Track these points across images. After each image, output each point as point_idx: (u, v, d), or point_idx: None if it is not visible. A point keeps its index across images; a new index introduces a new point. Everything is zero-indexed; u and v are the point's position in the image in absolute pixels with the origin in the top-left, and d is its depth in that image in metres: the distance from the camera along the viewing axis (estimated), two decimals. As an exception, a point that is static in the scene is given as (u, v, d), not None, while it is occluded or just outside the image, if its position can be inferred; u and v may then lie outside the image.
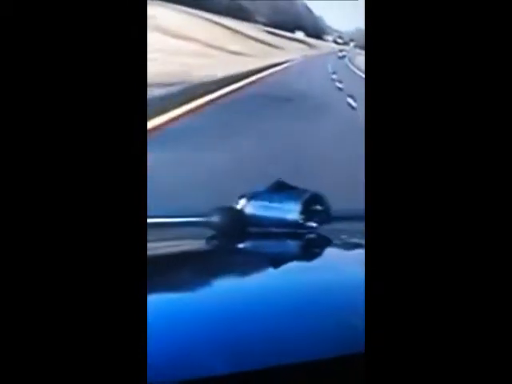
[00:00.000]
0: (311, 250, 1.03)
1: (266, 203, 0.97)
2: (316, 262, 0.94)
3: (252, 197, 1.00)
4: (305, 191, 1.00)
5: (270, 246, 1.00)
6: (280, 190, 1.00)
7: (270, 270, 0.88)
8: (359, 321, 0.56)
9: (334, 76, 18.65)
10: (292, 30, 76.30)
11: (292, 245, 1.02)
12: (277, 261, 0.91)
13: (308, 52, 51.10)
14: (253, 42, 44.15)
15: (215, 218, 0.96)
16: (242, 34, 47.17)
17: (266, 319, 0.65)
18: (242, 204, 0.99)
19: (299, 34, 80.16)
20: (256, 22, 54.01)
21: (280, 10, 66.89)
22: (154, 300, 0.64)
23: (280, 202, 0.96)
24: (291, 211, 0.94)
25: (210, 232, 0.97)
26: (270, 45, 47.91)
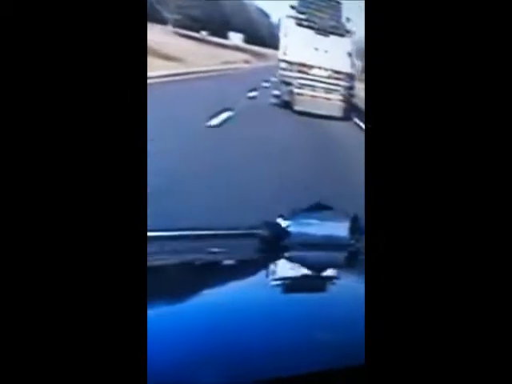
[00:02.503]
0: (355, 261, 1.14)
1: (311, 221, 1.10)
2: (358, 271, 1.04)
3: (292, 216, 1.11)
4: (344, 211, 1.14)
5: (316, 257, 1.09)
6: (320, 210, 1.14)
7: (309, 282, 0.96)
8: (328, 335, 0.63)
9: (252, 94, 13.30)
10: (223, 34, 53.13)
11: (339, 257, 1.13)
12: (322, 270, 1.01)
13: (252, 63, 38.38)
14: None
15: (264, 231, 1.06)
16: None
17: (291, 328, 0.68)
18: (284, 223, 1.10)
19: (236, 39, 57.73)
20: (167, 22, 45.28)
21: (210, 9, 55.89)
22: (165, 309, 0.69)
23: (328, 220, 1.11)
24: (342, 228, 1.08)
25: (256, 243, 1.06)
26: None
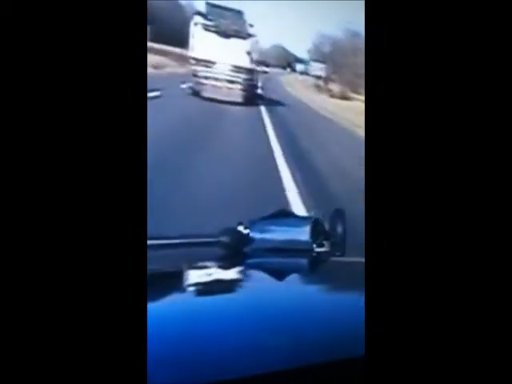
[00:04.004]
0: (318, 264, 1.12)
1: (272, 227, 1.07)
2: (320, 275, 1.08)
3: (251, 223, 1.09)
4: (308, 217, 1.13)
5: (280, 263, 1.07)
6: (284, 216, 1.13)
7: (277, 284, 0.94)
8: (279, 341, 0.64)
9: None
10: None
11: (301, 262, 1.10)
12: (283, 275, 0.98)
13: (166, 68, 26.23)
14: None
15: (225, 239, 1.02)
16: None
17: (272, 327, 0.69)
18: (244, 230, 1.07)
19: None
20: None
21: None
22: (156, 312, 0.64)
23: (290, 225, 1.08)
24: (303, 233, 1.06)
25: (218, 251, 1.02)
26: None
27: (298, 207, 4.55)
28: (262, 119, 12.02)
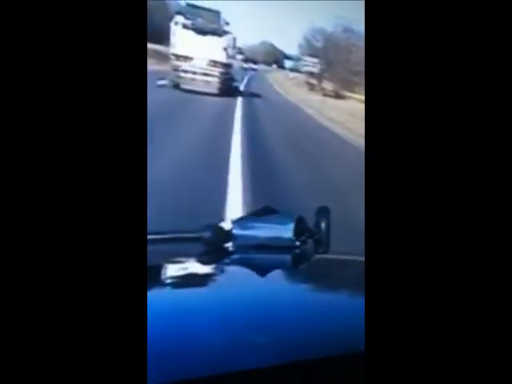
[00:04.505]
0: (301, 261, 1.15)
1: (255, 224, 1.08)
2: (303, 272, 1.10)
3: (237, 220, 1.08)
4: (290, 215, 1.11)
5: (262, 260, 1.08)
6: (267, 213, 1.12)
7: (262, 280, 0.95)
8: (262, 337, 0.65)
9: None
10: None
11: (284, 258, 1.11)
12: (266, 272, 0.98)
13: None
14: None
15: (207, 234, 1.01)
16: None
17: (263, 321, 0.71)
18: (227, 226, 1.07)
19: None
20: None
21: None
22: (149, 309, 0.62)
23: (273, 222, 1.08)
24: (287, 230, 1.07)
25: (199, 248, 1.01)
26: None
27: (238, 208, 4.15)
28: (233, 112, 12.54)
